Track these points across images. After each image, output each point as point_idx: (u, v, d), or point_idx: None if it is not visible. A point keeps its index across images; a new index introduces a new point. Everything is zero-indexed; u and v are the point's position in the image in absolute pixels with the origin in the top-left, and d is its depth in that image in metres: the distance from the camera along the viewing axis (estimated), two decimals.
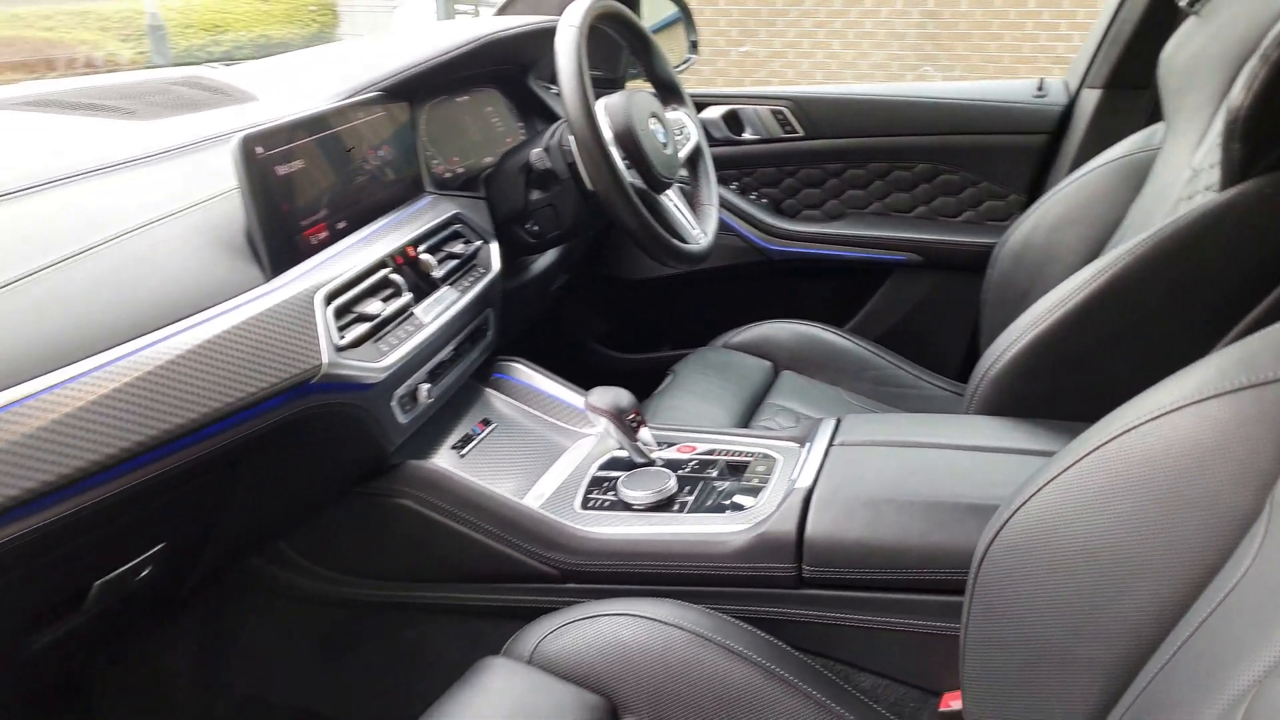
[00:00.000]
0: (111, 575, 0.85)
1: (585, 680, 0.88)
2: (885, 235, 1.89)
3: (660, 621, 0.90)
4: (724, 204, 1.91)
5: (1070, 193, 1.47)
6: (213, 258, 0.92)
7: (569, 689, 0.88)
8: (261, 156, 0.96)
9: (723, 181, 1.96)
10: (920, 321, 1.91)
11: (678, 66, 1.95)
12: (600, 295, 2.06)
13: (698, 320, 1.85)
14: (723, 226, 1.85)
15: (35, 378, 0.71)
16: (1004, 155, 1.84)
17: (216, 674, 1.23)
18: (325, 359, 0.93)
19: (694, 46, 2.08)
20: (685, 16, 2.06)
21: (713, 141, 1.94)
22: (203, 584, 1.07)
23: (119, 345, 0.78)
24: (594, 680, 0.88)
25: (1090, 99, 1.77)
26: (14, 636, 0.81)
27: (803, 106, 1.90)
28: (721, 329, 1.71)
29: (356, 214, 1.12)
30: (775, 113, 1.92)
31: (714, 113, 1.95)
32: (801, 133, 1.91)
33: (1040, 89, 1.87)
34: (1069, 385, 1.10)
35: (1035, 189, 1.84)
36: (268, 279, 0.95)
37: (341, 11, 11.52)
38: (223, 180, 0.98)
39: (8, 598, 0.76)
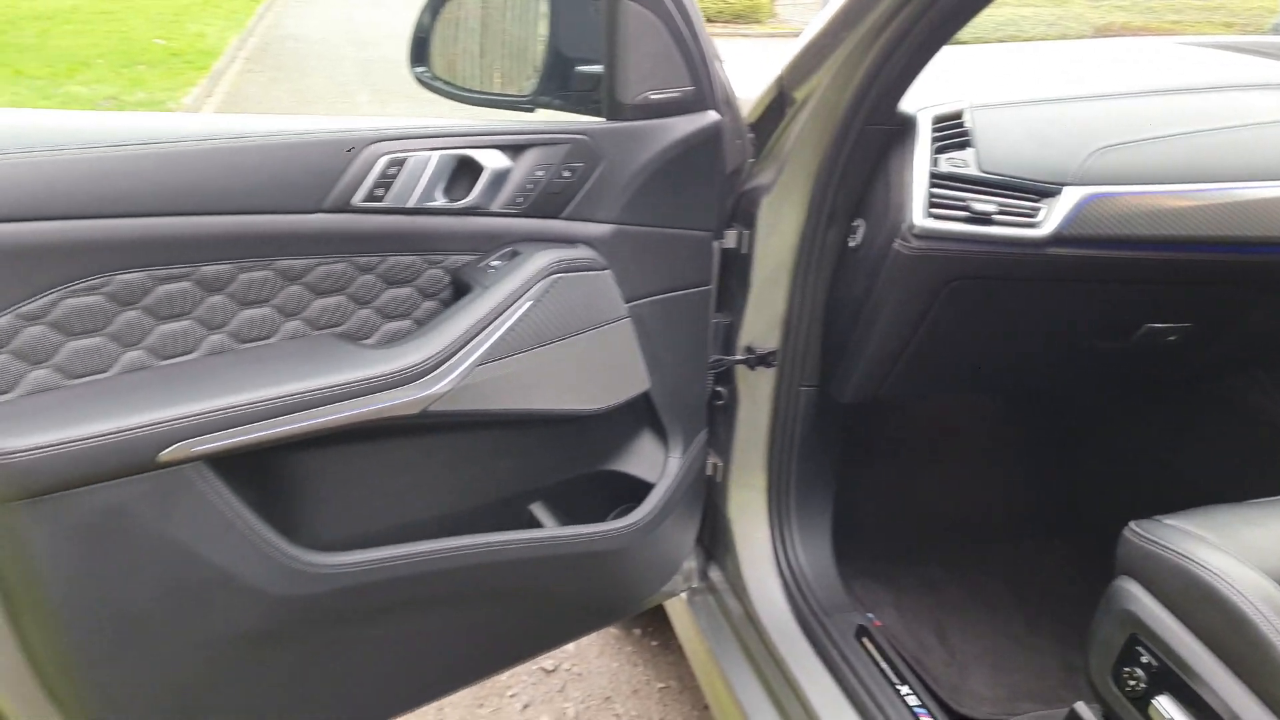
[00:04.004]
0: (1156, 325, 1.36)
1: None
2: None
3: None
4: None
5: None
6: None
7: None
8: None
9: None
10: None
11: None
12: None
13: None
14: None
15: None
16: None
17: (1169, 457, 1.68)
18: None
19: None
20: None
21: None
22: (1194, 378, 1.50)
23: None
24: None
25: None
26: (1090, 338, 1.38)
27: None
28: None
29: None
30: None
31: None
32: None
33: None
34: None
35: None
36: None
37: None
38: None
39: (1109, 310, 1.29)
